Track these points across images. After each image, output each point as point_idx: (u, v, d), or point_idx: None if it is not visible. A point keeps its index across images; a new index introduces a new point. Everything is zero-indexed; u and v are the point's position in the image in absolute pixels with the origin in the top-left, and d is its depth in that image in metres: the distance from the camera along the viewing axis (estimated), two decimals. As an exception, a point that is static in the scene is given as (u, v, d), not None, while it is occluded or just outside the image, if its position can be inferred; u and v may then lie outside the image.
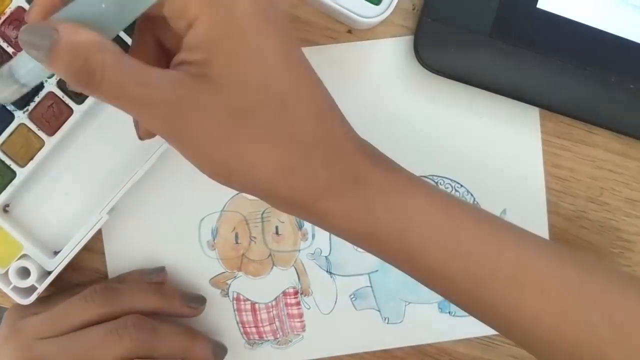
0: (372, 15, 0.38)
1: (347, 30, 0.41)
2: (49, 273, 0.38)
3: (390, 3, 0.39)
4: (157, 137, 0.31)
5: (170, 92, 0.27)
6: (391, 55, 0.41)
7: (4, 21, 0.38)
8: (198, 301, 0.40)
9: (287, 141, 0.28)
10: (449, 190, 0.41)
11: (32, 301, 0.38)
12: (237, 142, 0.27)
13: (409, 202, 0.30)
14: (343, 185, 0.29)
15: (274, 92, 0.27)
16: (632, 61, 0.39)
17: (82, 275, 0.41)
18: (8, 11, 0.38)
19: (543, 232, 0.41)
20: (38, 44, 0.27)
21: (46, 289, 0.38)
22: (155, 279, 0.39)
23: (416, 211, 0.29)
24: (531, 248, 0.31)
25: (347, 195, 0.29)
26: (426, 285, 0.31)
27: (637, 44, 0.39)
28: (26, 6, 0.38)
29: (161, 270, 0.40)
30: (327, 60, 0.41)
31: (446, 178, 0.41)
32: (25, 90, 0.32)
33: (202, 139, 0.27)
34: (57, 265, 0.38)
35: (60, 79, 0.38)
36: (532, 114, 0.41)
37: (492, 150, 0.41)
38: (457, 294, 0.31)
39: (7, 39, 0.38)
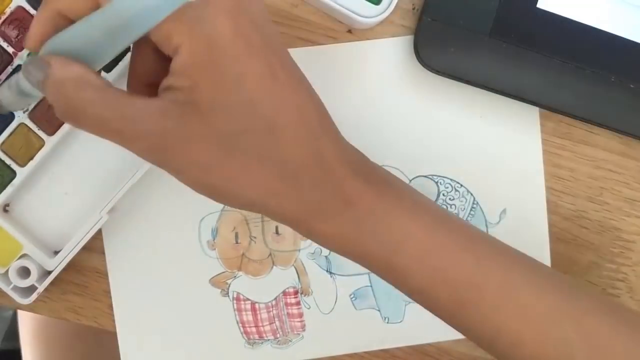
0: (372, 14, 0.38)
1: (347, 30, 0.41)
2: (49, 273, 0.38)
3: (390, 3, 0.38)
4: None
5: (155, 124, 0.27)
6: (391, 55, 0.41)
7: (4, 21, 0.38)
8: None
9: (275, 165, 0.28)
10: (449, 190, 0.41)
11: (32, 301, 0.38)
12: (227, 167, 0.28)
13: (397, 224, 0.30)
14: (332, 208, 0.29)
15: (259, 116, 0.27)
16: (632, 61, 0.39)
17: (82, 275, 0.41)
18: (8, 11, 0.38)
19: (543, 232, 0.41)
20: (34, 75, 0.28)
21: (46, 289, 0.38)
22: None
23: (405, 235, 0.30)
24: (517, 274, 0.31)
25: (337, 217, 0.29)
26: (412, 299, 0.32)
27: (637, 44, 0.39)
28: (26, 6, 0.37)
29: None
30: (327, 61, 0.41)
31: (446, 178, 0.41)
32: (31, 102, 0.32)
33: (191, 166, 0.28)
34: (57, 264, 0.38)
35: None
36: (532, 113, 0.41)
37: (492, 150, 0.41)
38: (441, 311, 0.32)
39: (7, 39, 0.38)
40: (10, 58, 0.38)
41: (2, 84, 0.34)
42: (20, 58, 0.38)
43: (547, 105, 0.40)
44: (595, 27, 0.39)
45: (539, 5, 0.39)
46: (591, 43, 0.39)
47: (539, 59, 0.39)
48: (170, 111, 0.27)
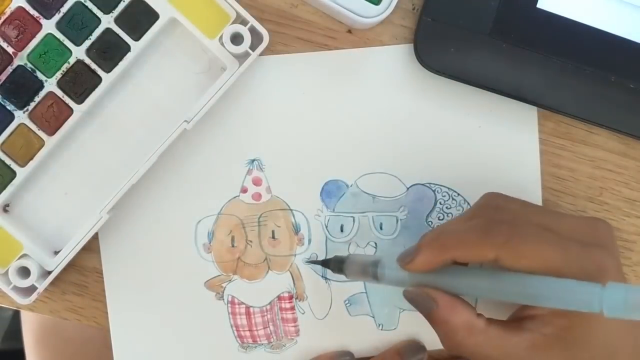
0: (372, 15, 0.38)
1: (347, 30, 0.41)
2: (49, 273, 0.38)
3: (390, 3, 0.38)
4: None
5: (525, 356, 0.32)
6: (391, 56, 0.41)
7: (4, 21, 0.37)
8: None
9: None
10: (446, 199, 0.41)
11: (32, 301, 0.38)
12: None
13: None
14: None
15: (609, 349, 0.32)
16: (632, 61, 0.39)
17: (82, 275, 0.41)
18: (8, 11, 0.37)
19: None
20: (419, 304, 0.33)
21: (46, 289, 0.38)
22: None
23: None
24: None
25: None
26: None
27: (637, 44, 0.39)
28: (26, 6, 0.37)
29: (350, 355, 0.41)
30: (328, 65, 0.40)
31: (444, 186, 0.41)
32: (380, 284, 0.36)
33: None
34: (57, 265, 0.38)
35: (60, 79, 0.38)
36: (531, 114, 0.41)
37: (490, 157, 0.41)
38: None
39: (7, 39, 0.38)
40: (10, 58, 0.38)
41: (354, 263, 0.37)
42: (20, 58, 0.38)
43: (546, 105, 0.40)
44: (595, 27, 0.39)
45: (539, 5, 0.39)
46: (591, 43, 0.39)
47: (539, 59, 0.39)
48: (537, 344, 0.31)
